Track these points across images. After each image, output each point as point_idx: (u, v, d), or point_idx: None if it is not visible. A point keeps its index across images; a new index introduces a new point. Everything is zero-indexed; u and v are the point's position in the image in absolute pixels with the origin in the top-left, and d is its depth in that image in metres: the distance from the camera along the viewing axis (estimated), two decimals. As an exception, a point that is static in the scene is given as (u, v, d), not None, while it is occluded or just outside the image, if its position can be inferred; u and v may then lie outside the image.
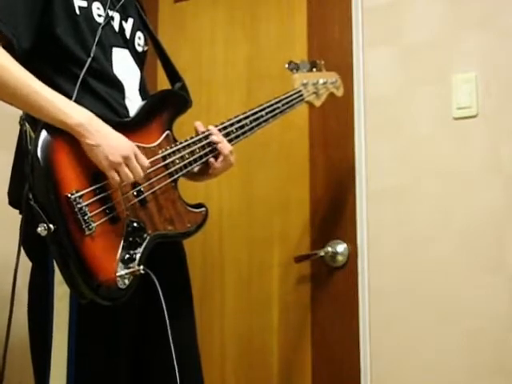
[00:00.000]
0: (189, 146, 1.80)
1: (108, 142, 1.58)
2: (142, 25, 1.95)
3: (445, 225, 2.30)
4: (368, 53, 2.48)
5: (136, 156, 1.62)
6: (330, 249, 2.47)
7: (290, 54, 2.58)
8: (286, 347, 2.54)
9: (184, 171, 1.78)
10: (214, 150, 1.87)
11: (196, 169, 1.90)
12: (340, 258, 2.46)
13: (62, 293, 1.60)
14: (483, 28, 2.29)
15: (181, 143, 1.79)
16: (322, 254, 2.47)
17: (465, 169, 2.29)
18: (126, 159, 1.59)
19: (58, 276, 1.58)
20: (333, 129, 2.52)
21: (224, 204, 2.66)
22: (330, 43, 2.55)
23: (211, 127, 1.88)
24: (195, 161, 1.81)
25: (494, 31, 2.28)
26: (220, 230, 2.66)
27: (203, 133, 1.86)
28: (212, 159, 1.87)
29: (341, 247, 2.46)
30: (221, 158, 1.88)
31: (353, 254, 2.44)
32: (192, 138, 1.82)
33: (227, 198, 2.68)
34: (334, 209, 2.52)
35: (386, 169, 2.41)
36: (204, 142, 1.85)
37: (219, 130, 1.89)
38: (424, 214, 2.34)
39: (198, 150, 1.81)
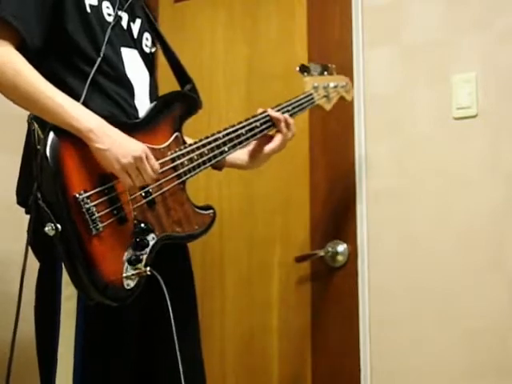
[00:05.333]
0: (198, 148, 1.80)
1: (118, 145, 1.58)
2: (149, 26, 1.94)
3: (445, 224, 2.30)
4: (368, 53, 2.48)
5: (147, 157, 1.62)
6: (330, 249, 2.47)
7: (290, 55, 2.59)
8: (286, 347, 2.54)
9: (193, 173, 1.78)
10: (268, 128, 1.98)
11: (250, 148, 2.01)
12: (340, 257, 2.46)
13: (70, 293, 1.59)
14: (483, 28, 2.30)
15: (190, 145, 1.79)
16: (322, 253, 2.47)
17: (465, 169, 2.29)
18: (138, 161, 1.59)
19: (65, 277, 1.57)
20: (333, 129, 2.52)
21: (224, 204, 2.65)
22: (330, 43, 2.55)
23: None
24: (204, 163, 1.80)
25: (493, 31, 2.28)
26: (220, 230, 2.65)
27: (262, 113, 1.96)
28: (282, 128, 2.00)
29: (341, 247, 2.46)
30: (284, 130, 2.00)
31: (353, 254, 2.44)
32: (201, 140, 1.81)
33: (227, 197, 2.68)
34: (334, 209, 2.52)
35: (386, 169, 2.42)
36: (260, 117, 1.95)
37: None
38: (424, 213, 2.34)
39: (206, 152, 1.81)
